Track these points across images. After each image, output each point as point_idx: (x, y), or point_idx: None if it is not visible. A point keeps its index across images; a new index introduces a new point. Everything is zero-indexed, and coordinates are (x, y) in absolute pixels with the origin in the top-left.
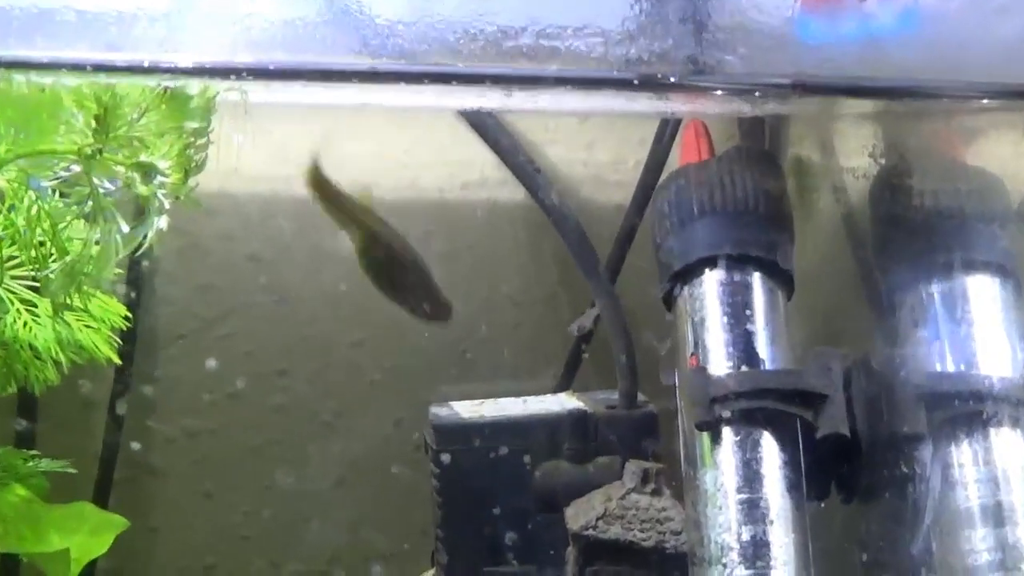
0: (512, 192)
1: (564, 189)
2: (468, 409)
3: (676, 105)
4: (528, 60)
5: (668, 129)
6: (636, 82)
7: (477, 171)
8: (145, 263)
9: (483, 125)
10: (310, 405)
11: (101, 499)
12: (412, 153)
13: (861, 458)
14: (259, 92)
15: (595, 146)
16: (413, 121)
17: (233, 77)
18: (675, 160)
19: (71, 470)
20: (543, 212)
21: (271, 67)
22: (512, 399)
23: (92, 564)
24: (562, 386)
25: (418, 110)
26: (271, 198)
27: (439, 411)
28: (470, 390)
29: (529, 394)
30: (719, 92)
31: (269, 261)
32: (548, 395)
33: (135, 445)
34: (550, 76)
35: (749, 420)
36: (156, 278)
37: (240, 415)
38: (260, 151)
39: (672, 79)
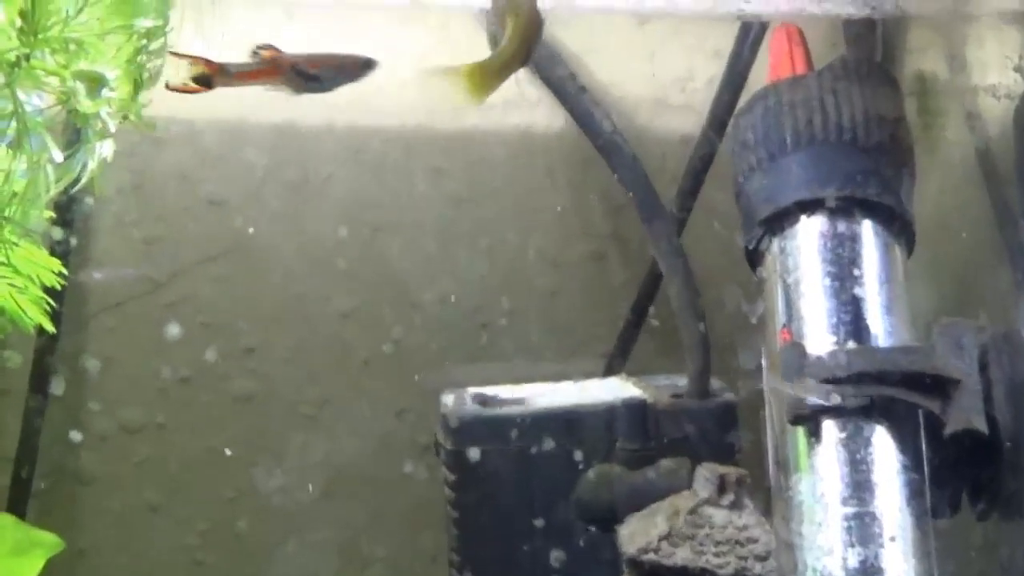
0: (549, 117)
1: (617, 114)
2: (490, 398)
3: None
4: None
5: (751, 35)
6: None
7: (502, 89)
8: (88, 201)
9: None
10: (287, 393)
11: (16, 512)
12: (421, 64)
13: (1002, 461)
14: None
15: (657, 58)
16: (421, 22)
17: None
18: (761, 76)
19: None
20: (590, 143)
21: None
22: (548, 385)
23: None
24: (613, 369)
25: (429, 6)
26: (238, 125)
27: (454, 400)
28: (493, 374)
29: (570, 379)
30: None
31: (234, 206)
32: (595, 380)
33: (61, 441)
34: None
35: (858, 411)
36: (86, 227)
37: (196, 405)
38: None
39: None
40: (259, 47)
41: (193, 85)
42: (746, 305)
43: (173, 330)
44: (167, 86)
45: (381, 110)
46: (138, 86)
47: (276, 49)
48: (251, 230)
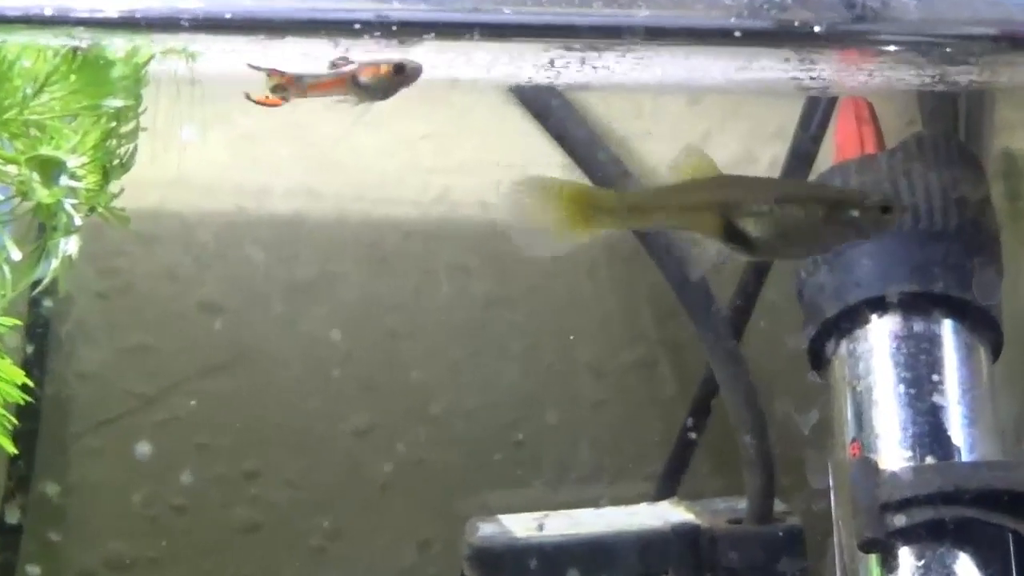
0: None
1: None
2: (525, 525)
3: (827, 73)
4: (609, 4)
5: (818, 112)
6: (767, 34)
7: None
8: (47, 304)
9: (545, 109)
10: (294, 522)
11: None
12: (442, 150)
13: None
14: (215, 57)
15: (712, 139)
16: (443, 103)
17: (176, 31)
18: (828, 156)
19: None
20: (635, 237)
21: (229, 16)
22: (590, 511)
23: None
24: (664, 491)
25: (450, 85)
26: (237, 219)
27: (483, 528)
28: (529, 498)
29: (616, 503)
30: (891, 48)
31: (232, 311)
32: (644, 504)
33: None
34: (638, 25)
35: (937, 536)
36: (66, 336)
37: (191, 537)
38: (218, 148)
39: (817, 28)
40: (336, 60)
41: (272, 98)
42: (811, 417)
43: (165, 452)
44: (248, 97)
45: (399, 200)
46: (108, 174)
47: (349, 61)
48: (252, 338)
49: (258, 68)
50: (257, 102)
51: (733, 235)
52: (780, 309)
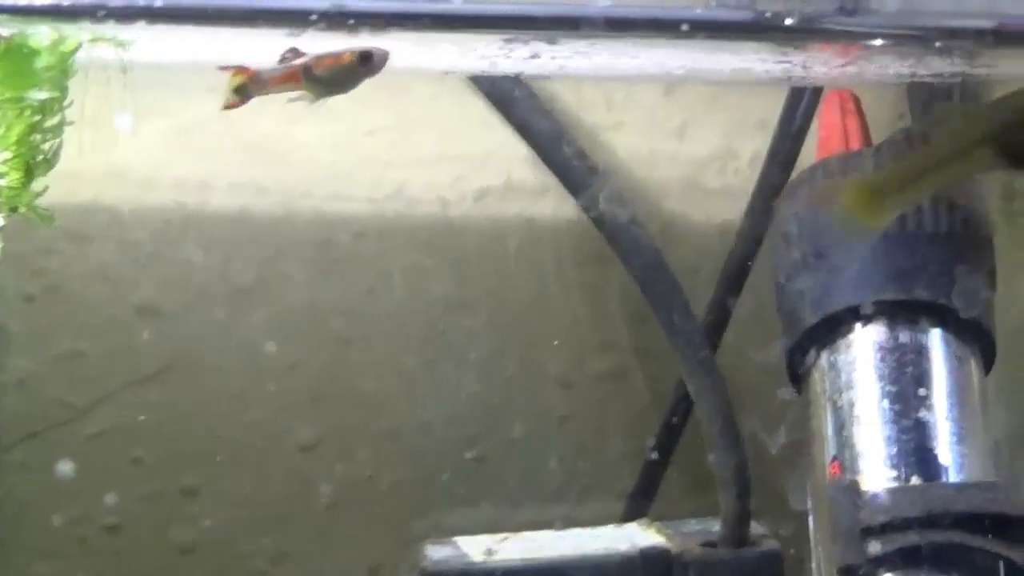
0: (556, 206)
1: (639, 200)
2: (482, 548)
3: (810, 65)
4: None
5: (802, 104)
6: (738, 27)
7: (501, 173)
8: None
9: (508, 100)
10: (235, 543)
11: None
12: (397, 144)
13: None
14: (149, 46)
15: (688, 133)
16: (399, 93)
17: (103, 20)
18: (812, 152)
19: None
20: (604, 238)
21: (160, 4)
22: (552, 533)
23: None
24: (633, 511)
25: (407, 74)
26: (175, 215)
27: (433, 552)
28: (488, 519)
29: (582, 525)
30: (877, 43)
31: (170, 315)
32: (611, 526)
33: None
34: (598, 17)
35: (922, 562)
36: None
37: (124, 559)
38: (154, 141)
39: (789, 21)
40: (285, 52)
41: (235, 99)
42: (790, 432)
43: (97, 467)
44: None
45: (351, 196)
46: (31, 171)
47: (300, 53)
48: (192, 345)
49: (225, 68)
50: (227, 107)
51: (1010, 157)
52: (750, 322)
